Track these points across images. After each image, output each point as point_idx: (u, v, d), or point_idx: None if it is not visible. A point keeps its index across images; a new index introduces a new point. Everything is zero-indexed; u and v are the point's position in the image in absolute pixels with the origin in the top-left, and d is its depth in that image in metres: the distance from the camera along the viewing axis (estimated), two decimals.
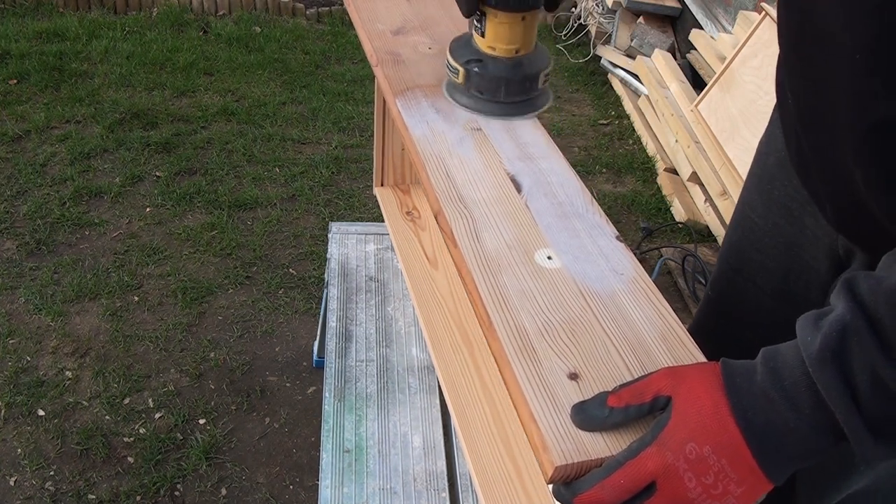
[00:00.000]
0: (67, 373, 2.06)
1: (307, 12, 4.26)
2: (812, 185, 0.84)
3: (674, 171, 3.11)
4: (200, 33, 3.90)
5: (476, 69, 1.03)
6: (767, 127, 1.00)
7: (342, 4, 4.32)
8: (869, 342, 0.54)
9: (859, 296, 0.56)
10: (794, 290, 0.97)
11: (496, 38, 1.01)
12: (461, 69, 1.04)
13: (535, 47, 1.05)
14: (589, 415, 0.64)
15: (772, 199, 0.97)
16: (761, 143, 1.02)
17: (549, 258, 0.83)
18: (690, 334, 0.75)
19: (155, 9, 4.03)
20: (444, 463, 1.26)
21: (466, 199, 0.90)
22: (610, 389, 0.66)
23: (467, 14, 1.00)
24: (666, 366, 0.71)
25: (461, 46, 1.06)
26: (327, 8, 4.30)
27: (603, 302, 0.78)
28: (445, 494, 1.22)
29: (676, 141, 3.08)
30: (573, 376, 0.69)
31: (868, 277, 0.56)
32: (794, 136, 0.85)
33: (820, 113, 0.73)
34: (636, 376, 0.69)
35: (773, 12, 2.68)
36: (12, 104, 3.12)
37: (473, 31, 1.04)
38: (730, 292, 1.08)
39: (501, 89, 1.04)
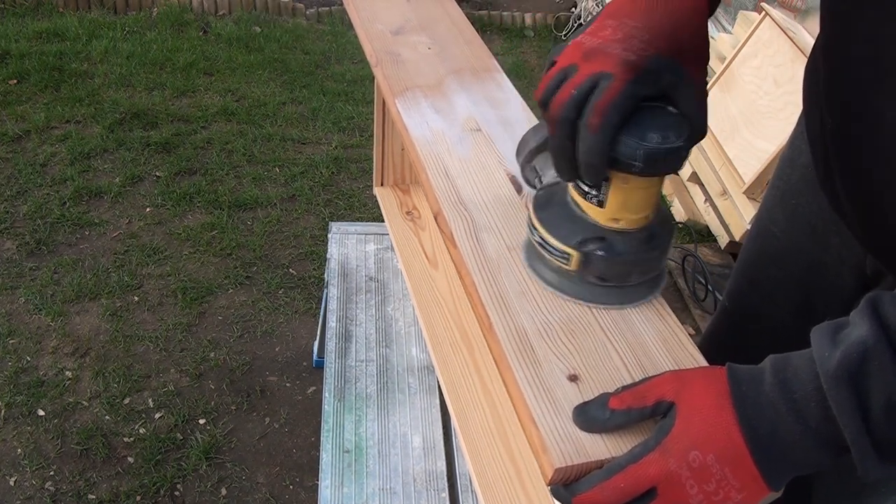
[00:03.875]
0: (67, 373, 2.05)
1: (307, 12, 4.25)
2: (841, 205, 0.82)
3: None
4: (200, 33, 3.90)
5: (600, 252, 0.75)
6: (791, 140, 0.98)
7: (342, 4, 4.31)
8: (889, 367, 0.53)
9: (884, 318, 0.55)
10: (815, 308, 0.96)
11: (625, 208, 0.73)
12: (575, 254, 0.75)
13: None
14: (590, 416, 0.64)
15: (795, 215, 0.95)
16: (784, 156, 0.99)
17: None
18: (704, 343, 0.74)
19: (155, 9, 4.03)
20: (444, 463, 1.26)
21: (466, 199, 0.90)
22: (611, 391, 0.65)
23: (590, 182, 0.73)
24: (666, 368, 0.71)
25: (562, 218, 0.77)
26: (327, 8, 4.30)
27: None
28: (445, 494, 1.22)
29: None
30: (573, 378, 0.69)
31: (894, 299, 0.55)
32: (823, 156, 0.83)
33: (863, 145, 0.71)
34: (636, 378, 0.69)
35: (774, 12, 2.68)
36: (12, 104, 3.12)
37: (577, 197, 0.76)
38: (746, 305, 1.07)
39: (635, 272, 0.77)
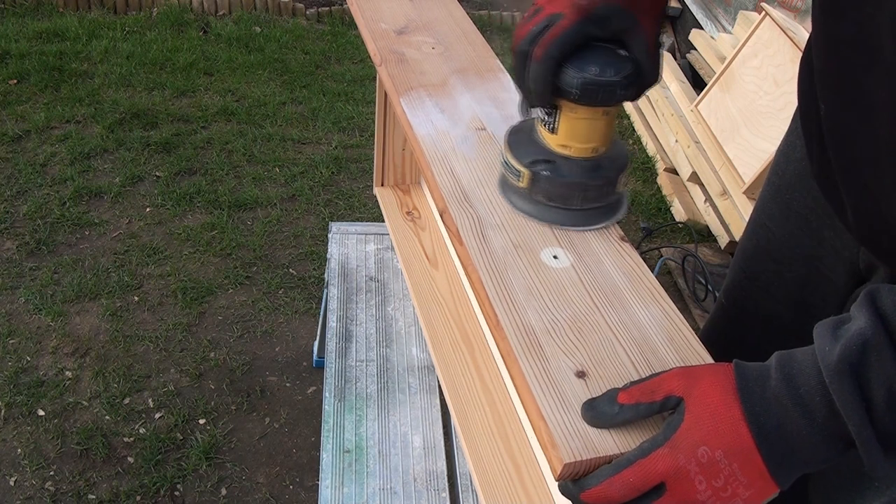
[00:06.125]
0: (67, 373, 2.05)
1: (307, 12, 4.25)
2: (835, 197, 0.83)
3: (674, 171, 3.11)
4: (200, 33, 3.89)
5: (546, 173, 0.84)
6: (787, 135, 0.98)
7: (342, 4, 4.32)
8: (888, 358, 0.54)
9: (882, 310, 0.55)
10: (810, 302, 0.96)
11: (572, 135, 0.83)
12: (525, 172, 0.86)
13: (613, 143, 0.87)
14: (599, 411, 0.64)
15: (790, 210, 0.96)
16: (780, 151, 1.00)
17: (556, 257, 0.83)
18: (702, 340, 0.75)
19: (155, 9, 4.03)
20: (444, 463, 1.26)
21: (472, 197, 0.90)
22: (619, 387, 0.65)
23: (535, 106, 0.83)
24: (673, 365, 0.71)
25: (522, 142, 0.87)
26: (327, 8, 4.30)
27: (609, 301, 0.78)
28: (445, 494, 1.22)
29: (676, 141, 3.08)
30: (581, 374, 0.69)
31: (892, 292, 0.56)
32: (818, 147, 0.84)
33: (855, 129, 0.71)
34: (643, 375, 0.69)
35: (774, 12, 2.68)
36: (12, 104, 3.11)
37: (539, 126, 0.86)
38: (744, 301, 1.07)
39: (577, 196, 0.86)
